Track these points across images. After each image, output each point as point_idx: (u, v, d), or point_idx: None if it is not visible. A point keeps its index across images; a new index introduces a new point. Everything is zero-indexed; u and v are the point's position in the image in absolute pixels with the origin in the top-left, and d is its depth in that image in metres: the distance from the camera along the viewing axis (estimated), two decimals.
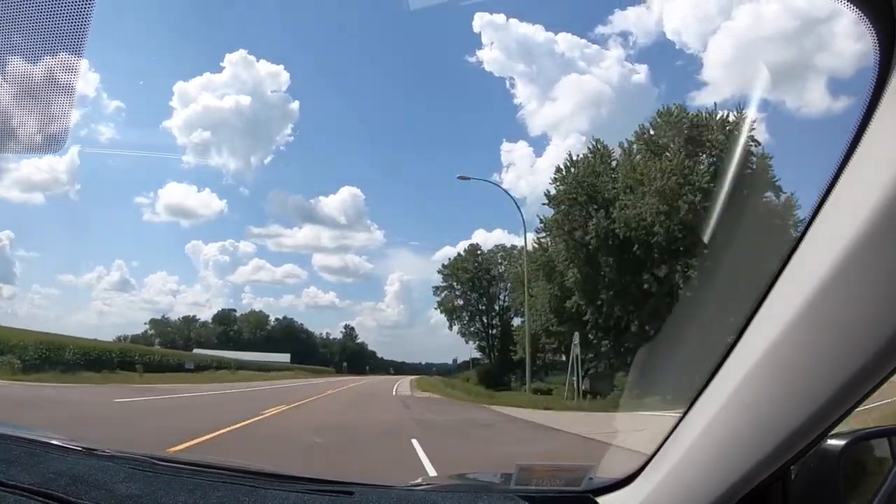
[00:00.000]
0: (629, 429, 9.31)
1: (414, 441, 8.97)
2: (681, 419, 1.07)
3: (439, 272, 38.53)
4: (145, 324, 44.87)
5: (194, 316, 47.77)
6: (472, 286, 37.21)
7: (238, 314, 47.86)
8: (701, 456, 0.99)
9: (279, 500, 1.18)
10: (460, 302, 38.15)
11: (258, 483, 1.26)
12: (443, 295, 38.49)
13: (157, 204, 47.11)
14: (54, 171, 39.20)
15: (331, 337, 51.35)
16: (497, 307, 38.52)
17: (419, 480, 1.47)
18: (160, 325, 45.56)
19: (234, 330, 47.23)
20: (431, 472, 6.30)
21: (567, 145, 37.51)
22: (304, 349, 46.60)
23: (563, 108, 39.69)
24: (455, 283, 37.76)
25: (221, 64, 46.92)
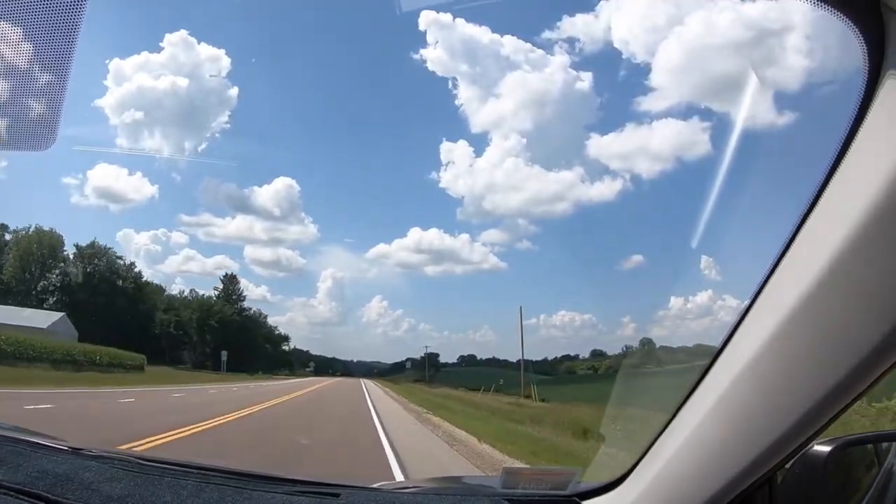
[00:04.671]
0: None
1: None
2: (666, 425, 1.07)
3: None
4: None
5: None
6: None
7: (9, 235, 29.03)
8: (686, 462, 0.99)
9: (266, 501, 1.17)
10: None
11: (245, 484, 1.25)
12: None
13: (86, 186, 41.56)
14: None
15: (203, 294, 33.81)
16: None
17: (406, 482, 1.46)
18: None
19: None
20: None
21: (507, 146, 35.75)
22: (120, 310, 27.16)
23: (504, 109, 39.66)
24: None
25: (161, 44, 43.53)
